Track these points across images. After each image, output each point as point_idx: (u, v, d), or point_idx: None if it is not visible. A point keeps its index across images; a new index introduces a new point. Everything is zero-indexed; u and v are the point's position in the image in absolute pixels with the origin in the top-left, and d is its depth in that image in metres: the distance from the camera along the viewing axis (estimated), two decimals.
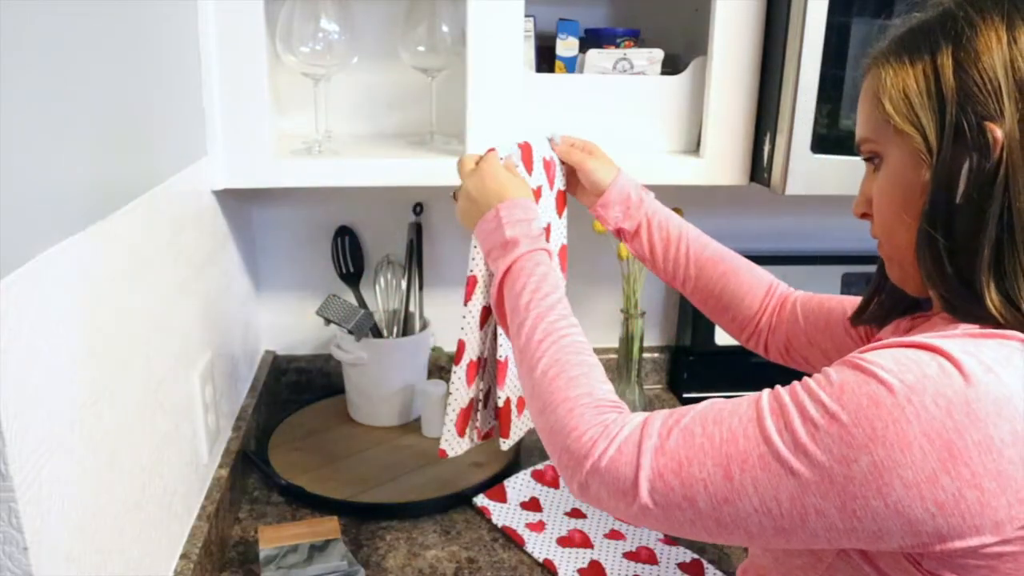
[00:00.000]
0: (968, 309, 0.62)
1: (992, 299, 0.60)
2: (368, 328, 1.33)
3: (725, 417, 0.62)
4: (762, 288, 1.00)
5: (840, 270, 1.51)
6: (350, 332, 1.32)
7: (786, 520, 0.59)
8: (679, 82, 1.24)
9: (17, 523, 0.56)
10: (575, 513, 1.17)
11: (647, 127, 1.25)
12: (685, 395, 1.55)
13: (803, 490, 0.58)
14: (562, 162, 1.03)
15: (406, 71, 1.29)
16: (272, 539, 1.02)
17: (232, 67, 1.09)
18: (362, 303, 1.43)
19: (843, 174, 1.17)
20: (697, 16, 1.25)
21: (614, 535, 1.12)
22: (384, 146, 1.29)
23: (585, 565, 1.06)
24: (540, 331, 0.76)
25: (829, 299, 0.96)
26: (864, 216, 0.73)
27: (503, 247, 0.83)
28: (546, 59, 1.28)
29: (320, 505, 1.16)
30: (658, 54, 1.25)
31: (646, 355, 1.56)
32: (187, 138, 1.02)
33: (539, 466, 1.27)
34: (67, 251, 0.64)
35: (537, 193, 0.97)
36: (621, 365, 1.42)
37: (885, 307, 0.79)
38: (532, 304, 0.78)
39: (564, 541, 1.10)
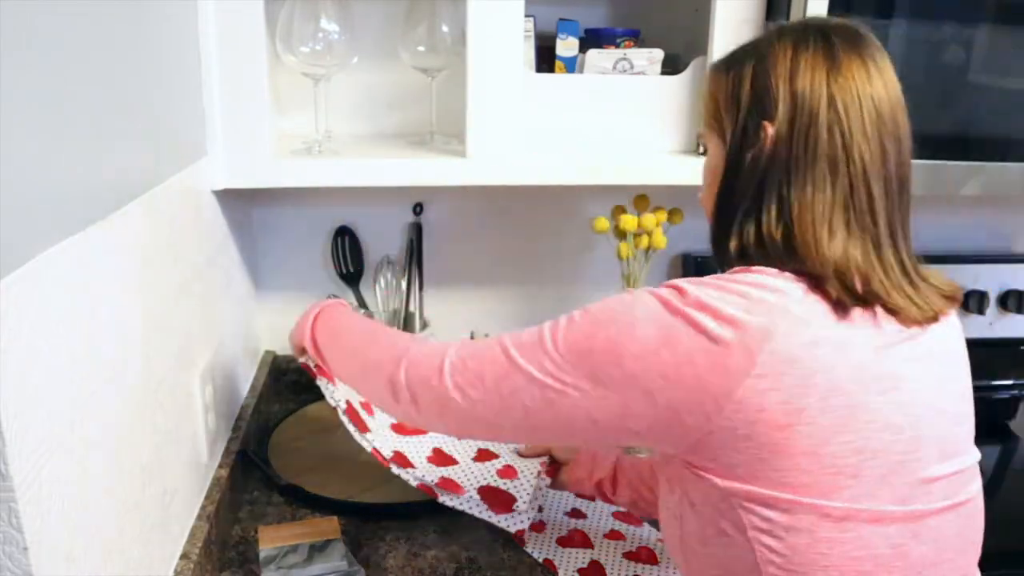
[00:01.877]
0: (721, 250, 0.81)
1: (734, 242, 0.78)
2: None
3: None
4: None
5: None
6: None
7: (550, 391, 0.73)
8: (679, 82, 1.24)
9: (17, 523, 0.56)
10: (575, 513, 1.17)
11: (647, 127, 1.25)
12: None
13: (567, 358, 0.73)
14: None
15: (406, 71, 1.29)
16: (272, 539, 1.02)
17: (232, 67, 1.09)
18: (362, 303, 1.43)
19: None
20: (697, 16, 1.25)
21: (614, 535, 1.12)
22: (384, 146, 1.29)
23: (585, 565, 1.06)
24: (342, 337, 0.97)
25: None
26: (703, 202, 0.88)
27: (302, 333, 1.03)
28: (546, 59, 1.28)
29: (320, 505, 1.16)
30: (658, 54, 1.25)
31: None
32: (187, 138, 1.02)
33: None
34: (67, 251, 0.64)
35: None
36: None
37: None
38: (324, 333, 1.00)
39: (564, 541, 1.10)
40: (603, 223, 1.33)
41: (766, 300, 0.69)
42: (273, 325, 1.50)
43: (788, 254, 0.73)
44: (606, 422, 0.72)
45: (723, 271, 0.77)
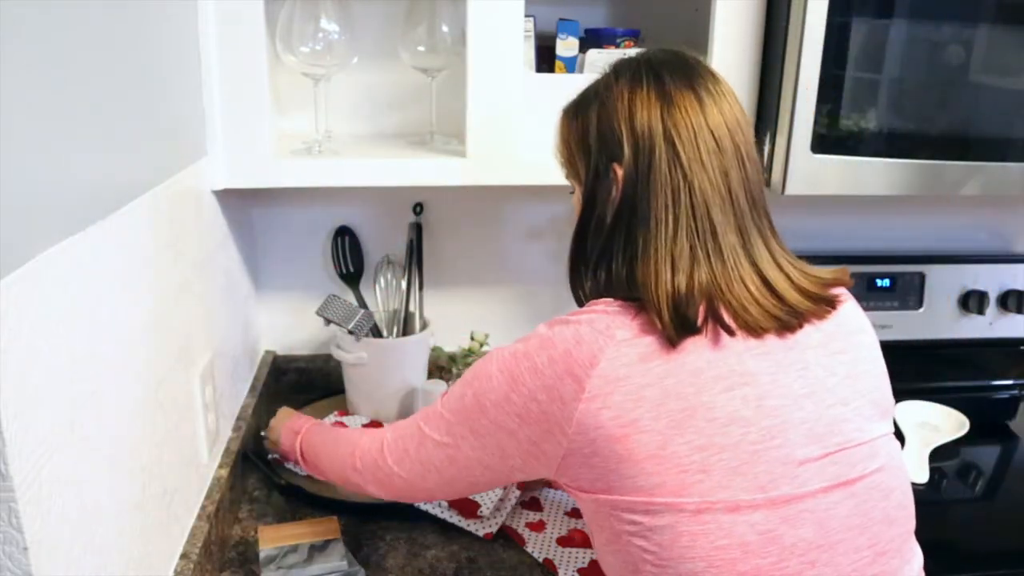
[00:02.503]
0: (577, 288, 0.90)
1: (587, 281, 0.86)
2: (368, 328, 1.33)
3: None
4: None
5: None
6: (350, 332, 1.32)
7: (449, 448, 0.84)
8: None
9: (17, 523, 0.56)
10: (575, 513, 1.17)
11: None
12: None
13: (453, 421, 0.84)
14: None
15: (406, 71, 1.29)
16: (272, 539, 1.02)
17: (232, 67, 1.09)
18: (362, 303, 1.43)
19: (843, 174, 1.17)
20: (697, 16, 1.25)
21: None
22: (384, 146, 1.29)
23: (585, 565, 1.06)
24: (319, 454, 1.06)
25: None
26: None
27: (291, 444, 1.12)
28: (546, 59, 1.28)
29: (320, 505, 1.16)
30: None
31: None
32: (187, 138, 1.02)
33: None
34: (67, 251, 0.64)
35: None
36: None
37: None
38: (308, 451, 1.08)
39: (564, 541, 1.10)
40: None
41: (595, 329, 0.75)
42: (273, 325, 1.50)
43: (631, 289, 0.78)
44: (494, 465, 0.82)
45: (578, 298, 0.88)
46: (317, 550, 1.00)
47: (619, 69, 0.83)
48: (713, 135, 0.78)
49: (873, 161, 1.19)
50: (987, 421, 1.46)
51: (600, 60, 1.23)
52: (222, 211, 1.18)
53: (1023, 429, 1.47)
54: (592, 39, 1.29)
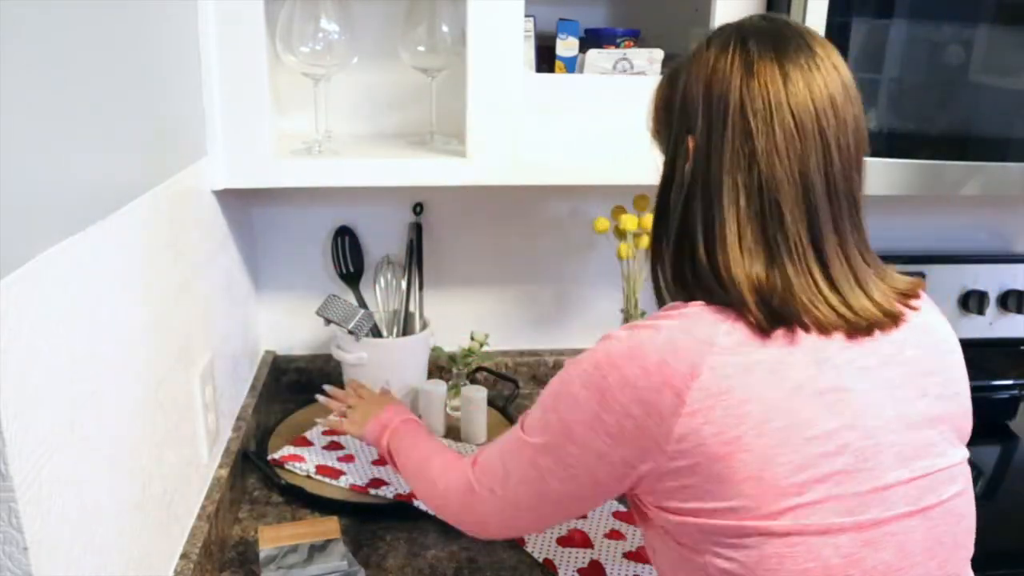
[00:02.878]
0: (660, 285, 0.82)
1: (667, 276, 0.80)
2: (368, 328, 1.33)
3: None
4: None
5: None
6: (350, 332, 1.32)
7: (535, 476, 0.78)
8: None
9: (17, 523, 0.56)
10: None
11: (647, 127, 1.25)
12: None
13: (536, 453, 0.77)
14: None
15: (406, 71, 1.29)
16: (272, 539, 1.02)
17: (232, 67, 1.09)
18: (362, 303, 1.43)
19: None
20: (697, 16, 1.25)
21: (614, 535, 1.12)
22: (384, 146, 1.29)
23: (585, 565, 1.06)
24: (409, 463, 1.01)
25: None
26: None
27: (378, 440, 1.08)
28: (546, 59, 1.28)
29: (320, 505, 1.16)
30: (658, 54, 1.25)
31: None
32: (187, 138, 1.02)
33: None
34: (67, 251, 0.64)
35: None
36: None
37: None
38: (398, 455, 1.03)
39: (564, 541, 1.10)
40: (603, 223, 1.33)
41: (694, 337, 0.70)
42: (273, 325, 1.50)
43: (716, 281, 0.73)
44: (586, 495, 0.77)
45: (660, 299, 0.81)
46: (317, 550, 1.00)
47: (713, 35, 0.76)
48: (793, 116, 0.71)
49: (873, 161, 1.18)
50: (987, 421, 1.45)
51: (600, 60, 1.23)
52: (222, 211, 1.18)
53: (1023, 429, 1.47)
54: (592, 39, 1.29)
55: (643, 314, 1.39)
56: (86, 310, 0.68)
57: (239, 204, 1.30)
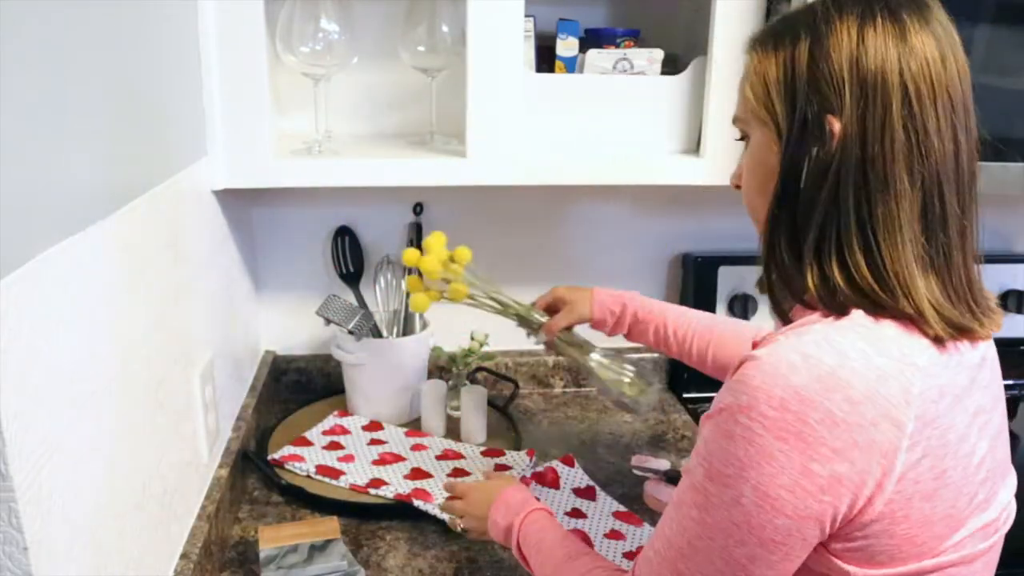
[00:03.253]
0: (791, 289, 0.68)
1: (813, 279, 0.65)
2: (368, 328, 1.33)
3: (667, 521, 0.69)
4: (747, 342, 1.06)
5: None
6: (350, 332, 1.32)
7: (730, 573, 0.63)
8: (679, 82, 1.24)
9: (17, 523, 0.56)
10: (575, 513, 1.17)
11: (647, 127, 1.25)
12: (685, 395, 1.55)
13: (728, 543, 0.62)
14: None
15: (406, 71, 1.29)
16: (272, 539, 1.02)
17: (232, 67, 1.09)
18: (362, 303, 1.43)
19: None
20: (697, 16, 1.25)
21: (614, 535, 1.12)
22: (384, 146, 1.29)
23: None
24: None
25: None
26: (738, 187, 0.77)
27: (506, 535, 0.93)
28: (546, 59, 1.28)
29: (320, 505, 1.16)
30: (658, 54, 1.25)
31: (647, 355, 1.56)
32: (187, 138, 1.02)
33: (539, 468, 1.27)
34: (67, 251, 0.64)
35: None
36: None
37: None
38: (538, 561, 0.87)
39: None
40: (413, 255, 1.12)
41: (893, 358, 0.61)
42: (273, 325, 1.50)
43: (883, 287, 0.64)
44: (795, 564, 0.64)
45: (780, 302, 0.69)
46: (317, 550, 1.00)
47: (836, 0, 0.66)
48: (950, 95, 0.63)
49: None
50: None
51: (600, 60, 1.23)
52: (222, 211, 1.18)
53: (1023, 429, 1.47)
54: (592, 39, 1.29)
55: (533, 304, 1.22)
56: (86, 310, 0.68)
57: (239, 204, 1.30)
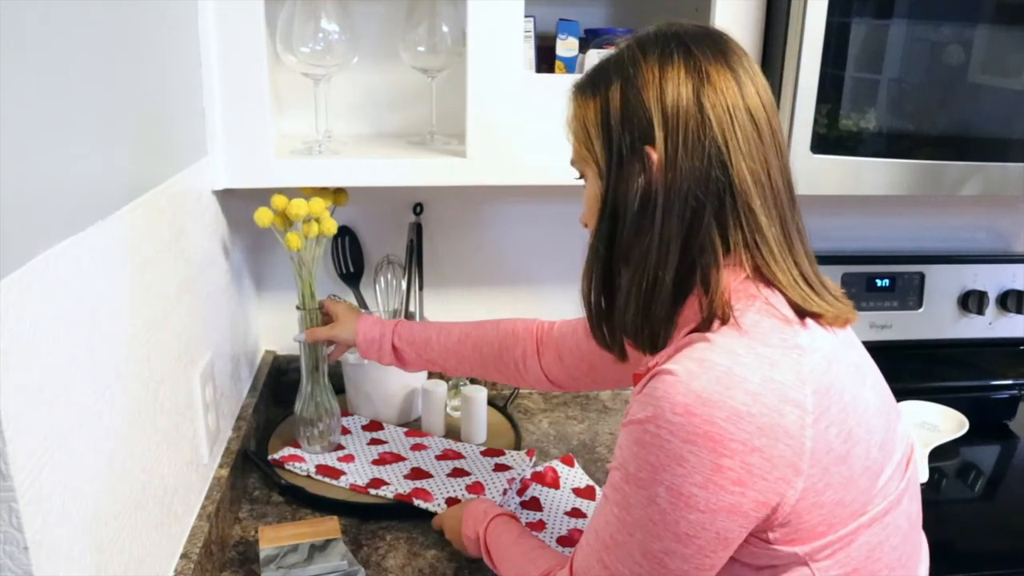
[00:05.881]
0: (603, 326, 0.78)
1: (627, 318, 0.74)
2: None
3: (596, 514, 0.74)
4: (508, 342, 1.11)
5: (840, 270, 1.51)
6: None
7: (647, 565, 0.68)
8: None
9: (17, 523, 0.56)
10: (575, 513, 1.17)
11: None
12: None
13: (645, 538, 0.67)
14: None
15: (406, 71, 1.29)
16: (272, 539, 1.02)
17: (232, 67, 1.09)
18: (362, 303, 1.43)
19: (843, 174, 1.17)
20: (697, 16, 1.25)
21: None
22: (384, 146, 1.29)
23: None
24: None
25: (579, 320, 1.05)
26: (586, 226, 0.81)
27: (477, 547, 0.99)
28: (546, 59, 1.28)
29: (320, 505, 1.16)
30: None
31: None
32: (187, 138, 1.02)
33: (539, 468, 1.27)
34: (67, 251, 0.64)
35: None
36: None
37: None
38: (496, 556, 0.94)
39: (564, 541, 1.10)
40: (266, 215, 1.14)
41: (774, 346, 0.66)
42: (273, 325, 1.50)
43: (764, 283, 0.71)
44: (716, 563, 0.68)
45: (650, 329, 0.73)
46: (317, 550, 1.00)
47: (644, 42, 0.74)
48: (752, 117, 0.70)
49: (873, 161, 1.19)
50: (987, 421, 1.46)
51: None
52: (222, 211, 1.18)
53: (1022, 429, 1.47)
54: (592, 39, 1.29)
55: (320, 307, 1.24)
56: (86, 310, 0.68)
57: (239, 204, 1.30)
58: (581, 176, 0.81)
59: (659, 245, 0.71)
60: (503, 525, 0.96)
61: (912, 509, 0.75)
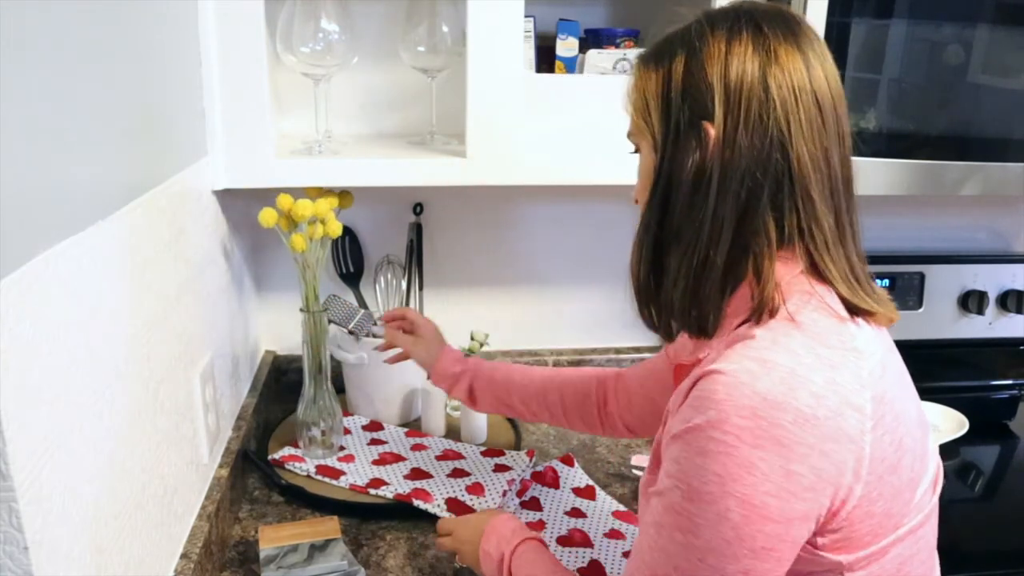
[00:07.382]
0: (651, 305, 0.74)
1: (674, 297, 0.70)
2: (368, 328, 1.33)
3: (646, 547, 0.68)
4: (590, 387, 1.09)
5: None
6: (350, 332, 1.32)
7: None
8: None
9: (17, 523, 0.56)
10: (575, 513, 1.17)
11: None
12: None
13: (719, 561, 0.62)
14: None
15: (406, 71, 1.29)
16: (272, 539, 1.02)
17: (232, 67, 1.09)
18: (362, 303, 1.43)
19: None
20: None
21: (614, 535, 1.12)
22: (384, 146, 1.29)
23: (585, 565, 1.06)
24: None
25: (651, 360, 1.05)
26: (637, 202, 0.79)
27: (498, 567, 0.90)
28: (546, 59, 1.28)
29: (320, 505, 1.16)
30: None
31: (645, 356, 1.56)
32: (187, 138, 1.02)
33: (539, 467, 1.27)
34: (67, 251, 0.64)
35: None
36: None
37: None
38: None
39: (564, 540, 1.10)
40: (271, 215, 1.14)
41: (834, 348, 0.64)
42: (273, 325, 1.50)
43: (820, 277, 0.68)
44: (785, 568, 0.65)
45: (709, 314, 0.70)
46: (317, 550, 1.00)
47: (714, 16, 0.71)
48: (817, 102, 0.67)
49: (873, 161, 1.19)
50: (987, 421, 1.46)
51: (600, 60, 1.23)
52: (222, 211, 1.18)
53: (1023, 429, 1.47)
54: (592, 39, 1.29)
55: (325, 310, 1.24)
56: (86, 310, 0.68)
57: (239, 204, 1.30)
58: (636, 150, 0.78)
59: (712, 223, 0.68)
60: (534, 553, 0.87)
61: (937, 524, 0.75)
